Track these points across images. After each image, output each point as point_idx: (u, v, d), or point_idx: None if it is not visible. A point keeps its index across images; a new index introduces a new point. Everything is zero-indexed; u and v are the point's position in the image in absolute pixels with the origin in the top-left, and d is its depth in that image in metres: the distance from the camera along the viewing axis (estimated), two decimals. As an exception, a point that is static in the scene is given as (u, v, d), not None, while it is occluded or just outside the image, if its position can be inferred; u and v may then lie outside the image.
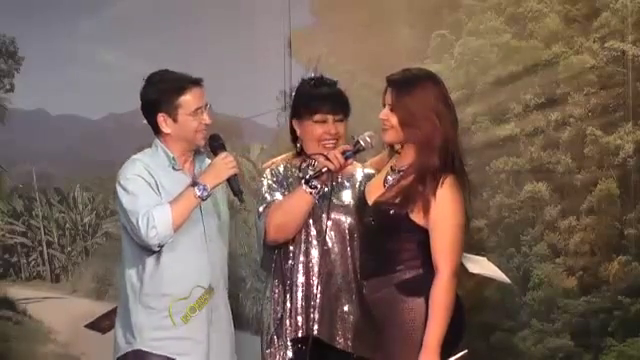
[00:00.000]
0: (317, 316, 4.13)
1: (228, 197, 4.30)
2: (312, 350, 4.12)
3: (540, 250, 5.36)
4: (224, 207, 4.31)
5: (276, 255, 4.22)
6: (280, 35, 6.03)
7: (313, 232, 4.18)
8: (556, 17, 5.36)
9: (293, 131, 4.28)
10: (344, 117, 4.21)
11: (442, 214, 3.84)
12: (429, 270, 3.86)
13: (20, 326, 6.59)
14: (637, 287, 5.10)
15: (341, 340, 4.14)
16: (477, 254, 4.29)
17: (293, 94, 4.40)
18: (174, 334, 4.13)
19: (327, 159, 4.05)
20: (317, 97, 4.20)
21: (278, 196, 4.20)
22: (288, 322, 4.16)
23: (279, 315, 4.18)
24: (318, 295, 4.14)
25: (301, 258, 4.18)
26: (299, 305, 4.15)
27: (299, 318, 4.15)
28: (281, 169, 4.29)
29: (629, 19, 5.13)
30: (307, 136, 4.21)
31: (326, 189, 4.15)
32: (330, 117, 4.19)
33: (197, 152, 4.25)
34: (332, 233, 4.18)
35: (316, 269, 4.16)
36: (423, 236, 3.87)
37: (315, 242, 4.18)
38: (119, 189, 4.12)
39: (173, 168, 4.17)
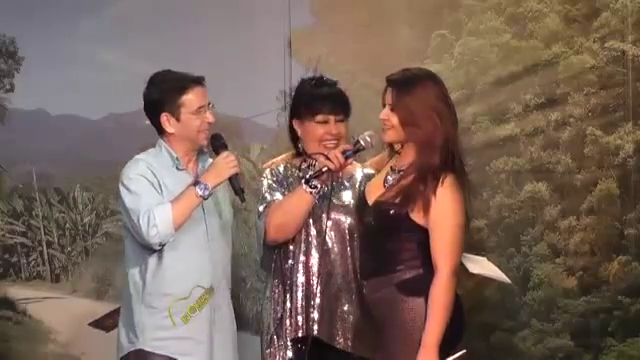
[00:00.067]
0: (317, 316, 4.13)
1: (231, 197, 4.30)
2: (312, 350, 4.12)
3: (540, 250, 5.36)
4: (227, 206, 4.32)
5: (276, 255, 4.22)
6: (280, 35, 6.03)
7: (313, 232, 4.18)
8: (556, 17, 5.36)
9: (293, 131, 4.27)
10: (345, 117, 4.22)
11: (442, 213, 3.84)
12: (429, 270, 3.86)
13: (20, 326, 6.58)
14: (637, 287, 5.10)
15: (341, 340, 4.14)
16: (477, 254, 4.29)
17: (293, 94, 4.40)
18: (175, 334, 4.14)
19: (327, 159, 4.05)
20: (318, 97, 4.20)
21: (278, 196, 4.20)
22: (288, 322, 4.16)
23: (279, 315, 4.18)
24: (318, 295, 4.14)
25: (301, 258, 4.18)
26: (299, 305, 4.15)
27: (299, 318, 4.15)
28: (281, 169, 4.29)
29: (629, 19, 5.13)
30: (308, 136, 4.21)
31: (326, 189, 4.15)
32: (332, 117, 4.19)
33: (200, 152, 4.26)
34: (332, 233, 4.18)
35: (316, 269, 4.16)
36: (423, 236, 3.87)
37: (315, 242, 4.18)
38: (122, 189, 4.13)
39: (177, 168, 4.18)
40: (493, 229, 5.48)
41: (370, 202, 4.02)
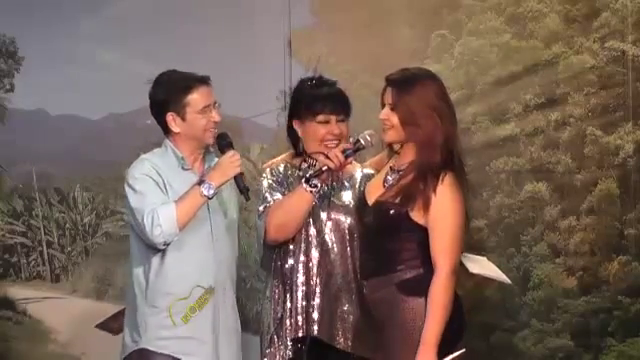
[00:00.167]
0: (317, 316, 4.13)
1: (237, 196, 4.30)
2: (312, 350, 4.12)
3: (540, 250, 5.36)
4: (232, 206, 4.32)
5: (276, 255, 4.22)
6: (280, 35, 6.03)
7: (313, 232, 4.18)
8: (556, 17, 5.36)
9: (292, 132, 4.27)
10: (346, 117, 4.21)
11: (442, 212, 3.84)
12: (429, 270, 3.86)
13: (20, 326, 6.58)
14: (637, 287, 5.10)
15: (341, 340, 4.14)
16: (477, 254, 4.28)
17: (291, 94, 4.40)
18: (178, 334, 4.14)
19: (327, 158, 4.05)
20: (319, 98, 4.20)
21: (278, 196, 4.20)
22: (288, 322, 4.15)
23: (279, 315, 4.18)
24: (318, 295, 4.14)
25: (301, 258, 4.18)
26: (299, 305, 4.15)
27: (299, 318, 4.14)
28: (281, 169, 4.29)
29: (629, 19, 5.14)
30: (309, 137, 4.21)
31: (326, 188, 4.15)
32: (333, 117, 4.19)
33: (207, 151, 4.26)
34: (332, 233, 4.18)
35: (316, 269, 4.16)
36: (423, 235, 3.87)
37: (315, 242, 4.18)
38: (127, 188, 4.14)
39: (182, 168, 4.19)
40: (493, 229, 5.48)
41: (370, 202, 4.02)
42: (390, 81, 3.98)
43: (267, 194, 4.22)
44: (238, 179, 4.12)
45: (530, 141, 5.40)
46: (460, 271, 3.97)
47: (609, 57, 5.18)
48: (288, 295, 4.17)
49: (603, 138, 5.20)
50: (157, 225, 4.01)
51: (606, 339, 5.16)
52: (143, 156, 4.24)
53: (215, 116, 4.16)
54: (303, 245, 4.18)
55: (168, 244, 4.07)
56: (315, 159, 4.18)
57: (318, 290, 4.15)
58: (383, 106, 4.00)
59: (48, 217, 6.71)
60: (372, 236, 4.00)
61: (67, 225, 6.72)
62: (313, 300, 4.14)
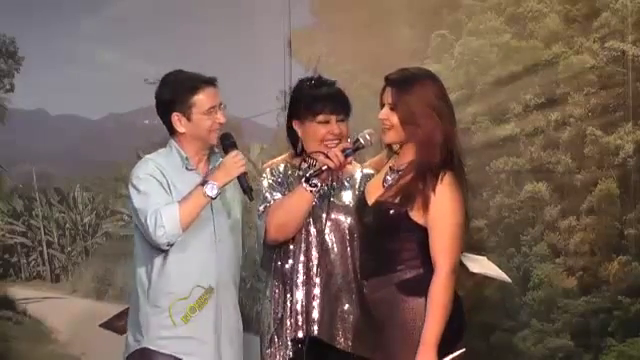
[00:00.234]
0: (317, 316, 4.13)
1: (240, 196, 4.31)
2: (312, 350, 4.12)
3: (540, 250, 5.35)
4: (236, 206, 4.32)
5: (276, 255, 4.22)
6: (280, 35, 6.03)
7: (313, 232, 4.18)
8: (556, 17, 5.36)
9: (292, 132, 4.27)
10: (346, 117, 4.22)
11: (441, 212, 3.84)
12: (429, 270, 3.86)
13: (20, 326, 6.59)
14: (637, 287, 5.10)
15: (341, 340, 4.14)
16: (477, 254, 4.29)
17: (290, 95, 4.40)
18: (178, 334, 4.14)
19: (327, 157, 4.05)
20: (318, 98, 4.20)
21: (278, 196, 4.20)
22: (288, 322, 4.16)
23: (279, 315, 4.18)
24: (318, 295, 4.14)
25: (301, 258, 4.18)
26: (299, 305, 4.15)
27: (299, 318, 4.14)
28: (281, 169, 4.29)
29: (629, 19, 5.13)
30: (309, 137, 4.21)
31: (326, 188, 4.15)
32: (333, 117, 4.19)
33: (212, 152, 4.27)
34: (332, 233, 4.18)
35: (316, 269, 4.16)
36: (423, 235, 3.87)
37: (315, 242, 4.18)
38: (131, 188, 4.15)
39: (186, 168, 4.19)
40: (493, 229, 5.48)
41: (370, 202, 4.02)
42: (389, 81, 3.98)
43: (267, 194, 4.22)
44: (242, 179, 4.12)
45: (530, 141, 5.40)
46: (460, 271, 3.97)
47: (609, 57, 5.18)
48: (288, 295, 4.17)
49: (603, 138, 5.20)
50: (160, 226, 4.02)
51: (606, 339, 5.15)
52: (147, 156, 4.25)
53: (220, 117, 4.17)
54: (303, 245, 4.18)
55: (172, 245, 4.08)
56: (315, 159, 4.18)
57: (318, 290, 4.15)
58: (382, 106, 4.00)
59: (48, 217, 6.71)
60: (372, 236, 4.00)
61: (67, 225, 6.72)
62: (313, 300, 4.14)
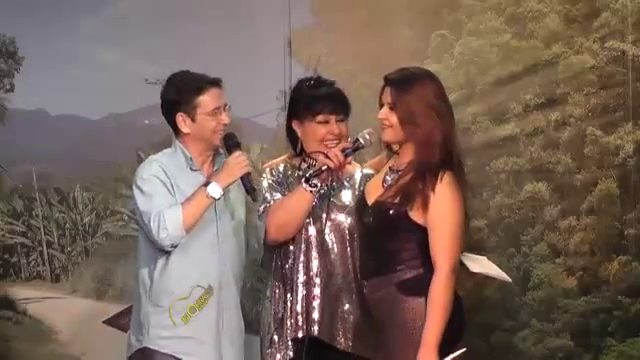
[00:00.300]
0: (317, 316, 4.13)
1: (244, 197, 4.31)
2: (312, 350, 4.12)
3: (540, 250, 5.36)
4: (240, 207, 4.32)
5: (276, 255, 4.22)
6: (280, 35, 6.04)
7: (313, 232, 4.18)
8: (556, 17, 5.36)
9: (291, 132, 4.27)
10: (345, 117, 4.21)
11: (441, 212, 3.84)
12: (429, 270, 3.86)
13: (20, 326, 6.59)
14: (637, 287, 5.10)
15: (342, 340, 4.14)
16: (477, 254, 4.28)
17: (290, 95, 4.39)
18: (178, 333, 4.15)
19: (327, 157, 4.05)
20: (318, 98, 4.20)
21: (278, 196, 4.20)
22: (288, 322, 4.15)
23: (279, 315, 4.17)
24: (318, 295, 4.14)
25: (301, 258, 4.17)
26: (299, 305, 4.15)
27: (299, 318, 4.14)
28: (281, 169, 4.28)
29: (629, 19, 5.13)
30: (309, 137, 4.20)
31: (326, 188, 4.15)
32: (332, 117, 4.19)
33: (216, 153, 4.27)
34: (332, 233, 4.18)
35: (316, 269, 4.16)
36: (423, 235, 3.87)
37: (315, 242, 4.18)
38: (135, 190, 4.15)
39: (190, 169, 4.20)
40: (493, 229, 5.48)
41: (369, 202, 4.02)
42: (389, 81, 3.98)
43: (267, 194, 4.21)
44: (245, 179, 4.12)
45: (530, 141, 5.40)
46: (460, 271, 3.97)
47: (609, 57, 5.18)
48: (288, 295, 4.17)
49: (603, 138, 5.20)
50: (163, 228, 4.03)
51: (606, 339, 5.15)
52: (152, 157, 4.26)
53: (224, 118, 4.17)
54: (303, 245, 4.17)
55: (175, 246, 4.08)
56: (315, 159, 4.18)
57: (318, 290, 4.14)
58: (381, 106, 3.99)
59: (48, 217, 6.72)
60: (372, 236, 4.00)
61: (67, 225, 6.72)
62: (313, 300, 4.14)
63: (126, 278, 6.42)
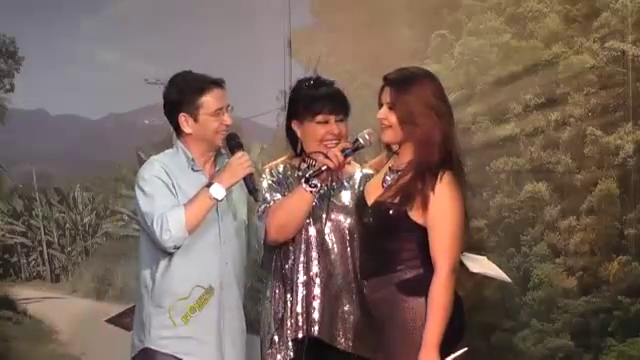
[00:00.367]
0: (317, 316, 4.13)
1: (247, 197, 4.31)
2: (313, 350, 4.12)
3: (540, 250, 5.35)
4: (242, 207, 4.32)
5: (276, 255, 4.22)
6: (280, 35, 6.04)
7: (313, 232, 4.18)
8: (556, 17, 5.36)
9: (291, 132, 4.27)
10: (345, 117, 4.21)
11: (441, 211, 3.84)
12: (429, 270, 3.86)
13: (20, 326, 6.59)
14: (637, 287, 5.10)
15: (342, 340, 4.14)
16: (477, 254, 4.28)
17: (289, 95, 4.39)
18: (178, 334, 4.15)
19: (326, 157, 4.05)
20: (317, 98, 4.20)
21: (278, 196, 4.20)
22: (289, 322, 4.15)
23: (280, 315, 4.17)
24: (318, 295, 4.14)
25: (301, 258, 4.17)
26: (299, 305, 4.15)
27: (299, 318, 4.14)
28: (280, 169, 4.28)
29: (629, 19, 5.13)
30: (309, 137, 4.20)
31: (326, 188, 4.14)
32: (332, 117, 4.19)
33: (219, 153, 4.27)
34: (332, 233, 4.18)
35: (316, 269, 4.16)
36: (423, 235, 3.87)
37: (315, 242, 4.18)
38: (137, 190, 4.15)
39: (192, 169, 4.20)
40: (493, 229, 5.48)
41: (369, 202, 4.02)
42: (388, 80, 3.98)
43: (267, 195, 4.21)
44: (247, 180, 4.12)
45: (530, 141, 5.40)
46: (460, 271, 3.97)
47: (609, 57, 5.18)
48: (289, 295, 4.17)
49: (603, 138, 5.20)
50: (166, 230, 4.03)
51: (606, 339, 5.15)
52: (153, 157, 4.26)
53: (227, 119, 4.17)
54: (303, 246, 4.18)
55: (178, 247, 4.09)
56: (314, 159, 4.18)
57: (318, 290, 4.14)
58: (380, 106, 3.99)
59: (48, 217, 6.72)
60: (372, 236, 4.00)
61: (67, 225, 6.72)
62: (313, 300, 4.14)
63: (126, 278, 6.43)
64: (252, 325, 4.41)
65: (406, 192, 3.88)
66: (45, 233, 6.72)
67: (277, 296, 4.21)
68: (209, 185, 4.06)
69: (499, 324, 5.43)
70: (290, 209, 4.11)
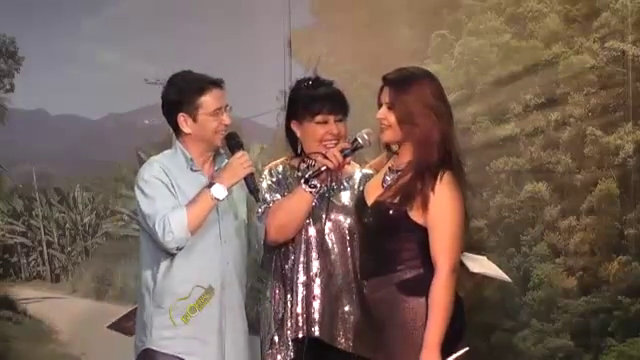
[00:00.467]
0: (317, 317, 4.13)
1: (247, 197, 4.31)
2: (313, 350, 4.12)
3: (540, 250, 5.35)
4: (242, 206, 4.32)
5: (276, 255, 4.22)
6: (280, 35, 6.04)
7: (313, 232, 4.18)
8: (556, 17, 5.36)
9: (290, 133, 4.27)
10: (344, 117, 4.21)
11: (441, 211, 3.84)
12: (430, 270, 3.86)
13: (20, 326, 6.59)
14: (637, 287, 5.10)
15: (342, 340, 4.13)
16: (477, 254, 4.28)
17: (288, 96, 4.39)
18: (179, 334, 4.15)
19: (326, 157, 4.05)
20: (316, 98, 4.19)
21: (277, 197, 4.20)
22: (289, 323, 4.15)
23: (280, 315, 4.17)
24: (318, 295, 4.14)
25: (301, 258, 4.17)
26: (299, 306, 4.15)
27: (299, 319, 4.14)
28: (280, 169, 4.28)
29: (629, 19, 5.13)
30: (308, 137, 4.20)
31: (325, 189, 4.14)
32: (331, 117, 4.19)
33: (217, 153, 4.27)
34: (332, 234, 4.17)
35: (316, 270, 4.16)
36: (423, 235, 3.87)
37: (315, 242, 4.17)
38: (137, 192, 4.15)
39: (191, 169, 4.19)
40: (493, 229, 5.48)
41: (369, 202, 4.01)
42: (387, 80, 3.98)
43: (267, 195, 4.21)
44: (248, 180, 4.12)
45: (530, 141, 5.40)
46: (460, 271, 3.97)
47: (609, 57, 5.18)
48: (289, 296, 4.17)
49: (603, 138, 5.20)
50: (169, 232, 4.03)
51: (606, 339, 5.15)
52: (152, 158, 4.26)
53: (226, 119, 4.17)
54: (303, 246, 4.17)
55: (181, 248, 4.09)
56: (314, 159, 4.17)
57: (319, 291, 4.14)
58: (380, 106, 3.99)
59: (48, 217, 6.72)
60: (372, 236, 4.00)
61: (67, 225, 6.72)
62: (314, 301, 4.13)
63: (126, 278, 6.43)
64: (252, 325, 4.41)
65: (406, 192, 3.88)
66: (45, 233, 6.72)
67: (277, 296, 4.20)
68: (210, 185, 4.06)
69: (499, 324, 5.43)
70: (290, 209, 4.11)
